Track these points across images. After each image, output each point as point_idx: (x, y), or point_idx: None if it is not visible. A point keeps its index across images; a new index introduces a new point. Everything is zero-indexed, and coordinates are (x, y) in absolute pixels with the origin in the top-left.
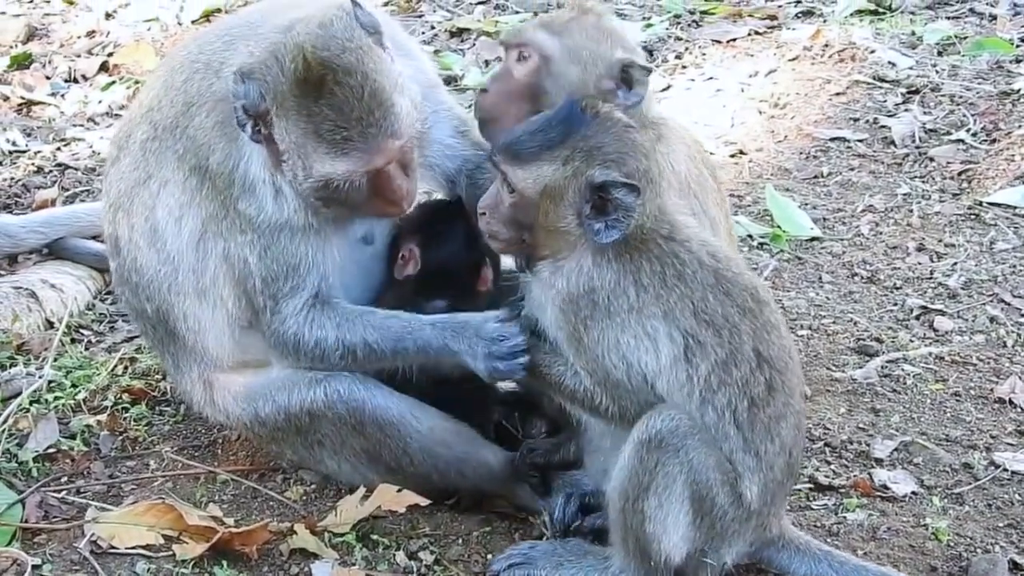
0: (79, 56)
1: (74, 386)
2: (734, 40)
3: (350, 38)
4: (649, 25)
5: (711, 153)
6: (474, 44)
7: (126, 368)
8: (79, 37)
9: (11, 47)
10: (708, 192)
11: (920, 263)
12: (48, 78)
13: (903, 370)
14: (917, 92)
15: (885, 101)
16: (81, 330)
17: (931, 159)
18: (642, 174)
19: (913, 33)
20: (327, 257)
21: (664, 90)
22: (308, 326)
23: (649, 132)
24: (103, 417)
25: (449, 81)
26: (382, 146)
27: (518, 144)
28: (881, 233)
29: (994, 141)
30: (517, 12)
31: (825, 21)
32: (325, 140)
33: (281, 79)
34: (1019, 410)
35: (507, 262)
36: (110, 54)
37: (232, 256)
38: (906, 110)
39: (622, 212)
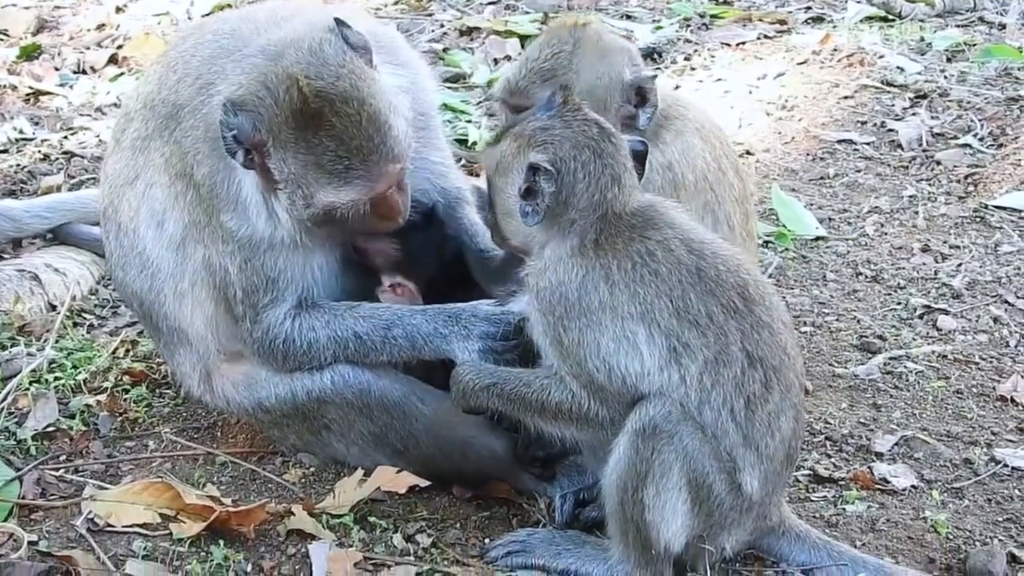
0: (88, 48)
1: (75, 367)
2: (743, 43)
3: (342, 63)
4: (659, 27)
5: None
6: (483, 43)
7: (127, 351)
8: (89, 30)
9: (21, 38)
10: (725, 187)
11: (924, 263)
12: (57, 69)
13: (905, 367)
14: (925, 97)
15: (893, 105)
16: (83, 314)
17: (938, 163)
18: (573, 164)
19: (922, 39)
20: (307, 272)
21: (673, 90)
22: (297, 332)
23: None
24: (103, 398)
25: (457, 79)
26: (384, 171)
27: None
28: (886, 234)
29: (1001, 146)
30: (527, 12)
31: (835, 27)
32: (327, 171)
33: (276, 111)
34: (1020, 408)
35: None
36: (119, 46)
37: (213, 264)
38: (914, 114)
39: (541, 196)
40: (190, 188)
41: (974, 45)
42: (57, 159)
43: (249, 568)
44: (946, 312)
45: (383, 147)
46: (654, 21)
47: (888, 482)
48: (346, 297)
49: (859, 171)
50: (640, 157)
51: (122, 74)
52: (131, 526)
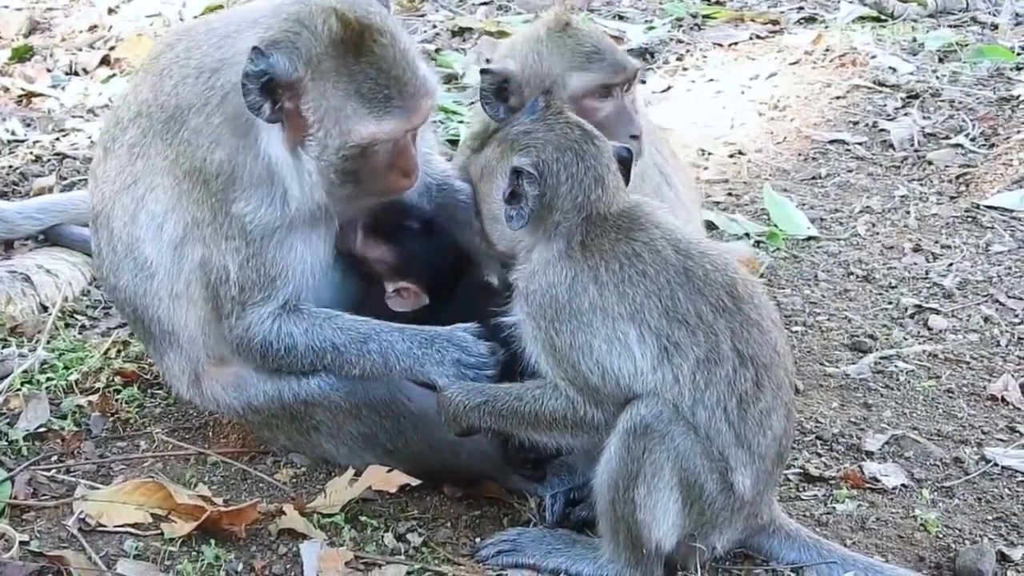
0: (80, 50)
1: (66, 368)
2: (735, 44)
3: (370, 3)
4: (651, 27)
5: (709, 153)
6: (475, 43)
7: (119, 351)
8: (81, 31)
9: (13, 40)
10: (678, 172)
11: (916, 263)
12: (49, 71)
13: (896, 367)
14: (917, 97)
15: (885, 105)
16: (75, 315)
17: (929, 163)
18: (556, 166)
19: (914, 40)
20: (306, 271)
21: (665, 91)
22: (276, 334)
23: None
24: (94, 398)
25: (450, 80)
26: (419, 104)
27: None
28: (878, 234)
29: (992, 146)
30: (519, 13)
31: (827, 27)
32: (367, 99)
33: (314, 42)
34: (1011, 407)
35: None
36: (111, 48)
37: (210, 263)
38: (905, 114)
39: (525, 200)
40: (198, 184)
41: (966, 45)
42: (49, 160)
43: (240, 567)
44: (937, 312)
45: (416, 79)
46: (646, 21)
47: (878, 481)
48: (340, 301)
49: (851, 171)
50: (625, 162)
51: (114, 76)
52: (122, 526)
